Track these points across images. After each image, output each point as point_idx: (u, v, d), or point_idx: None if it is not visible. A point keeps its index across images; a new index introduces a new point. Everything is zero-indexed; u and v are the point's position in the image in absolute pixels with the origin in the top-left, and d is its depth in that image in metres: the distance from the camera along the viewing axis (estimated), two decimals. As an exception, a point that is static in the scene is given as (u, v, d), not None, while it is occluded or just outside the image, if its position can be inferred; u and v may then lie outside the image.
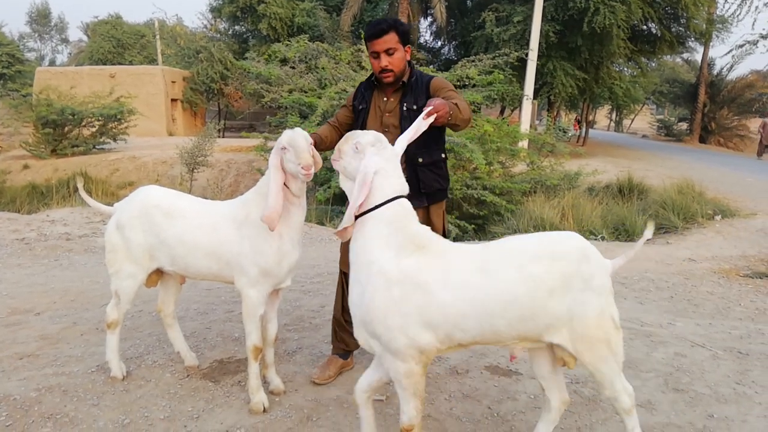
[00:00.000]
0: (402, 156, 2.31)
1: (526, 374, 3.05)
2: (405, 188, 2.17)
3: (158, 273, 2.93)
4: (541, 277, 1.96)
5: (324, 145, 2.88)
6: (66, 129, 16.35)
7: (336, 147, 2.26)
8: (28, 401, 2.68)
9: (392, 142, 2.71)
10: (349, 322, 3.08)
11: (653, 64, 23.53)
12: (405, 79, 2.84)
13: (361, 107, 2.94)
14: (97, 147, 16.95)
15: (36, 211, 8.21)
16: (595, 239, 7.66)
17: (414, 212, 2.17)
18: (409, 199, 2.57)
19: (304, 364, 3.18)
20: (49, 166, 15.01)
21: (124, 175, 14.55)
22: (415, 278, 1.98)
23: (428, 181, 2.82)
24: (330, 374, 3.01)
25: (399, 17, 19.39)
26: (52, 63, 46.40)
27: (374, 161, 2.11)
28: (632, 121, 41.82)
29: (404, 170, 2.76)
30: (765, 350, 3.63)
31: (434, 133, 2.73)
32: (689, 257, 6.34)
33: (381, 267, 2.01)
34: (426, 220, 2.87)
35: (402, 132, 2.62)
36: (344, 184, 2.25)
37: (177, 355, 3.15)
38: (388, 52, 2.73)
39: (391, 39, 2.72)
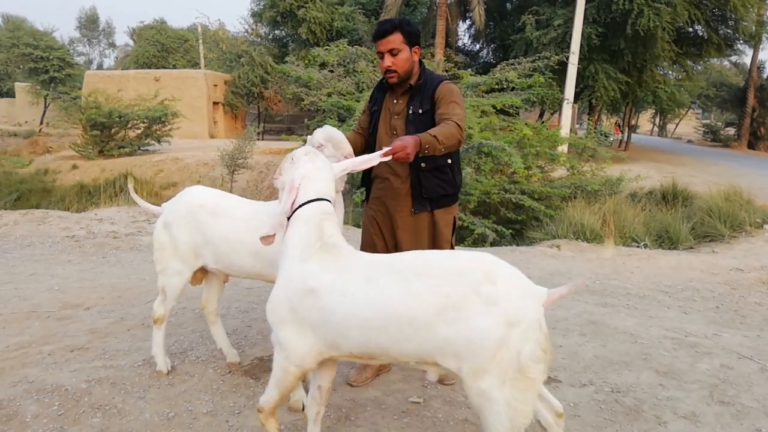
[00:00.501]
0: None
1: (566, 381, 3.01)
2: (330, 193, 2.18)
3: (203, 271, 3.01)
4: (425, 294, 1.79)
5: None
6: (113, 131, 16.86)
7: (277, 168, 2.35)
8: (78, 392, 2.78)
9: None
10: None
11: (699, 68, 22.86)
12: (412, 81, 2.84)
13: (373, 109, 2.98)
14: (141, 148, 17.43)
15: (84, 210, 8.51)
16: (637, 246, 7.49)
17: (334, 216, 2.15)
18: (412, 203, 2.72)
19: (342, 364, 3.21)
20: (97, 167, 15.51)
21: (168, 176, 14.93)
22: (308, 279, 1.96)
23: (431, 186, 2.81)
24: (367, 376, 3.02)
25: (437, 20, 19.38)
26: (99, 67, 47.92)
27: (305, 168, 2.16)
28: (677, 126, 40.69)
29: (408, 175, 2.84)
30: (817, 364, 3.49)
31: None
32: (736, 267, 6.14)
33: (287, 262, 2.05)
34: (431, 225, 2.89)
35: (407, 135, 2.68)
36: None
37: (219, 351, 3.23)
38: (392, 52, 2.74)
39: (395, 39, 2.72)
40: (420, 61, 2.88)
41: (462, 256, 1.91)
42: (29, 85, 30.37)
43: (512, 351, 1.72)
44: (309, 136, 2.72)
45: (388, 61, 2.75)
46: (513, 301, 1.75)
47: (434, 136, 2.51)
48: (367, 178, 3.06)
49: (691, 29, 19.26)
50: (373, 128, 2.96)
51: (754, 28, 19.32)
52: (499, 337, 1.71)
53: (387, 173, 2.90)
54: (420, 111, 2.79)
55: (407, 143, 2.41)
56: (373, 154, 2.42)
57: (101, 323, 3.74)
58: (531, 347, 1.73)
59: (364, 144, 3.06)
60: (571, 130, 16.79)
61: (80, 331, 3.60)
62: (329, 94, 10.79)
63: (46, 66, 29.00)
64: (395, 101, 2.90)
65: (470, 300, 1.75)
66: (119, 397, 2.76)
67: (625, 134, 24.13)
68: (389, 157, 2.38)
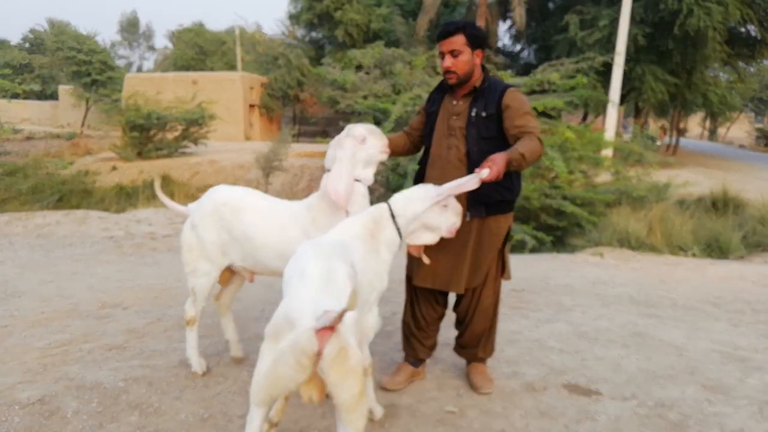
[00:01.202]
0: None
1: (607, 394, 2.90)
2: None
3: (230, 271, 3.06)
4: None
5: (392, 151, 2.97)
6: (151, 133, 17.14)
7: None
8: (116, 390, 2.82)
9: (456, 145, 2.82)
10: (421, 329, 3.06)
11: (752, 69, 22.07)
12: (477, 84, 2.81)
13: (431, 110, 2.96)
14: (179, 150, 17.71)
15: (123, 211, 8.70)
16: (685, 255, 7.23)
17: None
18: (468, 208, 2.73)
19: (375, 371, 3.16)
20: (135, 168, 15.87)
21: (204, 178, 15.16)
22: None
23: (487, 190, 2.68)
24: (400, 380, 2.99)
25: (477, 21, 19.20)
26: (139, 69, 49.01)
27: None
28: (728, 130, 39.32)
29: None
30: None
31: (500, 144, 2.70)
32: (790, 278, 5.86)
33: None
34: (479, 231, 2.80)
35: (467, 137, 2.79)
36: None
37: (226, 343, 3.28)
38: (453, 53, 2.72)
39: (457, 41, 2.71)
40: (483, 65, 2.84)
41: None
42: (72, 87, 31.19)
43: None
44: (348, 126, 2.81)
45: (448, 61, 2.74)
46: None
47: (522, 154, 2.49)
48: (420, 180, 3.00)
49: (743, 29, 18.57)
50: (429, 128, 2.94)
51: (809, 28, 18.52)
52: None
53: (441, 177, 2.84)
54: (484, 114, 2.76)
55: (499, 165, 2.42)
56: (470, 176, 2.45)
57: (139, 323, 3.79)
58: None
59: (410, 145, 3.10)
60: (616, 133, 16.36)
61: (118, 330, 3.66)
62: (365, 97, 10.79)
63: (89, 69, 29.71)
64: (455, 102, 2.87)
65: None
66: (156, 397, 2.79)
67: (673, 138, 23.41)
68: (484, 177, 2.40)
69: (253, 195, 2.96)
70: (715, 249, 7.50)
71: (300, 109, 26.41)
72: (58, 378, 2.93)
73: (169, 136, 17.62)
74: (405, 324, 3.11)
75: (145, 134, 17.03)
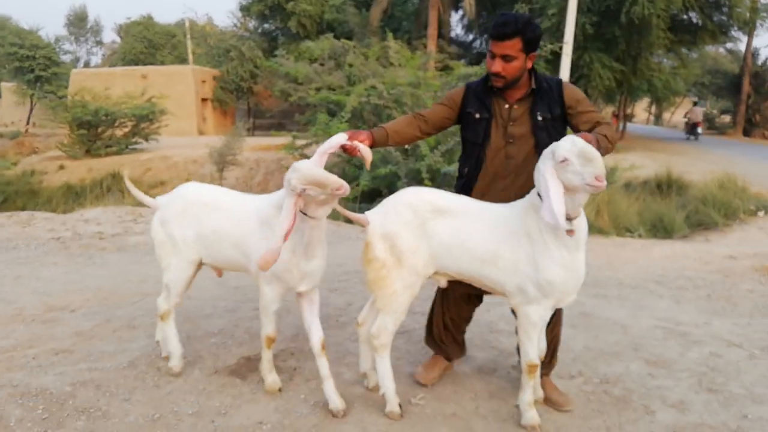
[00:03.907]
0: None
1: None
2: None
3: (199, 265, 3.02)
4: None
5: (394, 141, 2.69)
6: (100, 130, 16.70)
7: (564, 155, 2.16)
8: (63, 395, 2.75)
9: (517, 153, 2.60)
10: (449, 331, 2.97)
11: (694, 55, 22.72)
12: (534, 85, 2.60)
13: (479, 116, 2.66)
14: (129, 147, 17.28)
15: (71, 211, 8.43)
16: (632, 236, 7.49)
17: None
18: None
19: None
20: (84, 167, 15.39)
21: (156, 174, 14.83)
22: None
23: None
24: (434, 375, 2.92)
25: (429, 10, 19.24)
26: (87, 65, 47.39)
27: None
28: (673, 114, 40.62)
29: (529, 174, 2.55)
30: (807, 351, 3.49)
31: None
32: (729, 255, 6.13)
33: None
34: None
35: (537, 142, 2.55)
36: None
37: (206, 351, 3.20)
38: (506, 58, 2.48)
39: (513, 46, 2.46)
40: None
41: None
42: (14, 84, 29.95)
43: None
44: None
45: (498, 66, 2.50)
46: None
47: (605, 136, 2.38)
48: (466, 193, 2.72)
49: (685, 16, 19.13)
50: (482, 137, 2.65)
51: (748, 14, 19.23)
52: None
53: (503, 192, 2.61)
54: (550, 116, 2.58)
55: (591, 137, 2.25)
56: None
57: (87, 325, 3.70)
58: None
59: (418, 137, 2.80)
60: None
61: (65, 333, 3.56)
62: (318, 89, 10.71)
63: (32, 65, 28.60)
64: (507, 106, 2.62)
65: None
66: (104, 400, 2.73)
67: (621, 123, 24.08)
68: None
69: (221, 191, 2.96)
70: (660, 229, 7.80)
71: (254, 102, 26.05)
72: (2, 385, 2.84)
73: (119, 132, 17.18)
74: (433, 324, 3.02)
75: (94, 131, 16.55)
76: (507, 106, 2.63)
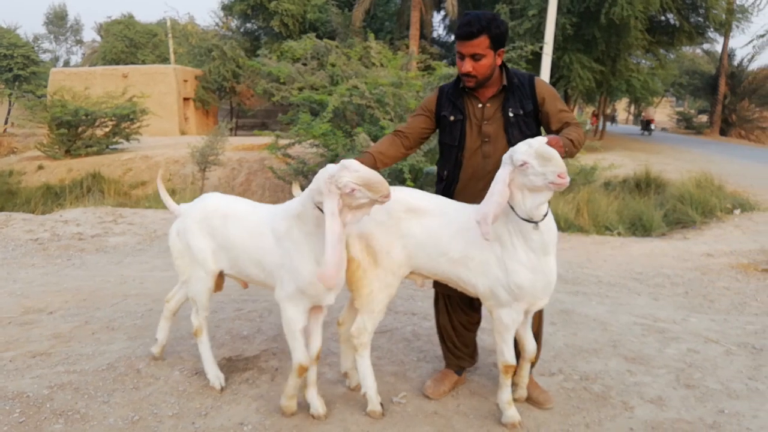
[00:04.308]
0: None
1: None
2: None
3: (222, 277, 2.91)
4: None
5: (383, 163, 2.65)
6: (80, 129, 16.45)
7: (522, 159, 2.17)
8: (40, 398, 2.71)
9: (493, 152, 2.60)
10: (460, 335, 2.89)
11: (672, 56, 23.10)
12: (505, 82, 2.59)
13: (453, 118, 2.65)
14: (110, 147, 17.06)
15: (50, 212, 8.31)
16: (611, 234, 7.58)
17: None
18: None
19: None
20: (63, 167, 15.16)
21: (137, 174, 14.66)
22: None
23: None
24: (444, 390, 2.84)
25: (412, 11, 19.28)
26: (66, 64, 46.76)
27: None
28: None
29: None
30: (781, 346, 3.56)
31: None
32: (707, 252, 6.25)
33: None
34: None
35: (510, 140, 2.53)
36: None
37: (186, 353, 3.18)
38: (475, 57, 2.48)
39: (480, 44, 2.46)
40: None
41: None
42: (-8, 84, 29.55)
43: None
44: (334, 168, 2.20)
45: (468, 65, 2.50)
46: None
47: (571, 140, 2.38)
48: (449, 196, 2.69)
49: (663, 18, 19.45)
50: (458, 139, 2.64)
51: (723, 16, 19.61)
52: None
53: (483, 191, 2.55)
54: (521, 112, 2.57)
55: (557, 139, 2.27)
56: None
57: (65, 327, 3.65)
58: None
59: (403, 155, 2.76)
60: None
61: (43, 336, 3.51)
62: (301, 89, 10.67)
63: (10, 64, 28.19)
64: (480, 105, 2.62)
65: None
66: (82, 402, 2.70)
67: (600, 123, 24.39)
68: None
69: (242, 201, 2.82)
70: (639, 227, 7.92)
71: (237, 101, 25.86)
72: (-23, 389, 2.79)
73: (99, 132, 16.92)
74: (443, 330, 2.95)
75: (73, 131, 16.29)
76: (480, 105, 2.63)
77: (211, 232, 2.74)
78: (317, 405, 2.61)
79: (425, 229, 2.49)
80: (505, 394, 2.58)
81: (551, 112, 2.57)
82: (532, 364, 2.81)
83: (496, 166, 2.55)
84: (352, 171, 2.14)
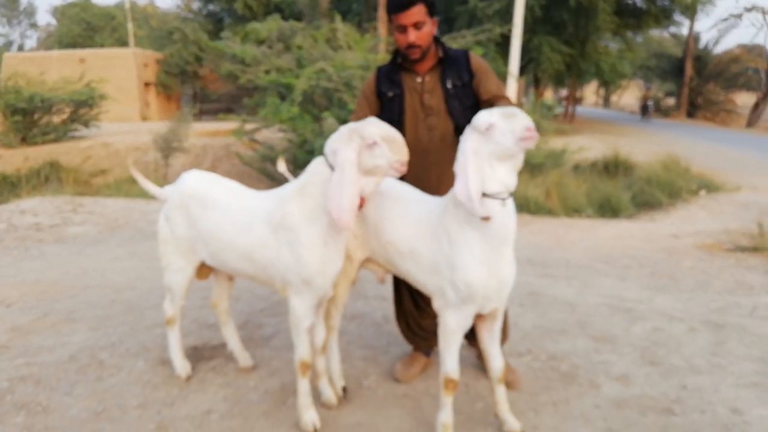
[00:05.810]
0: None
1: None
2: None
3: (209, 266, 2.73)
4: None
5: None
6: (36, 116, 15.91)
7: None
8: (0, 391, 2.63)
9: (438, 124, 2.58)
10: (427, 316, 2.77)
11: (639, 39, 23.41)
12: (441, 54, 2.60)
13: (391, 94, 2.64)
14: (68, 134, 16.57)
15: (6, 202, 8.00)
16: (580, 216, 7.68)
17: None
18: None
19: (281, 348, 3.13)
20: (19, 155, 14.63)
21: (97, 162, 14.23)
22: None
23: None
24: (414, 373, 2.82)
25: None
26: (20, 48, 44.97)
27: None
28: (620, 97, 41.81)
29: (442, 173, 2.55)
30: (741, 322, 3.66)
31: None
32: (673, 233, 6.37)
33: None
34: None
35: (451, 111, 2.56)
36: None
37: (151, 343, 3.08)
38: (417, 26, 2.46)
39: (419, 11, 2.44)
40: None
41: None
42: (-60, 71, 28.30)
43: None
44: (364, 122, 2.14)
45: (412, 35, 2.46)
46: None
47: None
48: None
49: (630, 1, 19.67)
50: (397, 114, 2.61)
51: (689, -1, 19.92)
52: None
53: (425, 163, 2.57)
54: (460, 83, 2.57)
55: None
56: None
57: (23, 320, 3.53)
58: None
59: None
60: (517, 103, 16.90)
61: (1, 329, 3.39)
62: (267, 71, 10.48)
63: (-42, 49, 27.08)
64: (419, 79, 2.61)
65: None
66: (44, 395, 2.62)
67: (570, 107, 24.66)
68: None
69: (222, 184, 2.60)
70: (608, 209, 8.04)
71: (200, 86, 25.32)
72: (-67, 384, 2.68)
73: (56, 119, 16.38)
74: (403, 312, 2.88)
75: (29, 118, 15.74)
76: (420, 79, 2.63)
77: (188, 219, 2.56)
78: (329, 394, 2.56)
79: (382, 218, 2.36)
80: (445, 415, 2.28)
81: (484, 85, 2.57)
82: (502, 345, 2.71)
83: (442, 138, 2.57)
84: (376, 125, 2.11)
